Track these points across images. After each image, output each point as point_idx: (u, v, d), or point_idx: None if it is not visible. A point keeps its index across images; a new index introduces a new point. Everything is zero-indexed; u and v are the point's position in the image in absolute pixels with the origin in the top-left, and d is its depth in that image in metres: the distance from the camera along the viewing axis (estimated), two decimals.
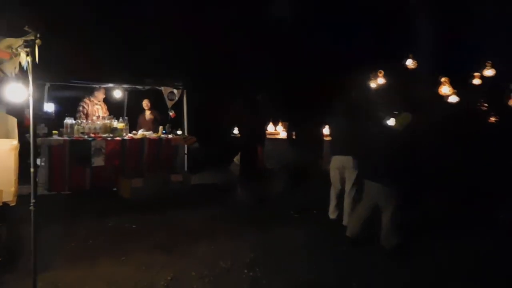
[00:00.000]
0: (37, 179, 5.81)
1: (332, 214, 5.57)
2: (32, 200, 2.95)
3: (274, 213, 5.86)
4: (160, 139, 6.94)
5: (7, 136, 3.31)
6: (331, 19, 8.95)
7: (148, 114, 8.39)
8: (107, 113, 7.68)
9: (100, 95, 7.47)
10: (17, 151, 3.26)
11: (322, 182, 5.90)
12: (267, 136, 7.66)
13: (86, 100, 7.35)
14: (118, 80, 7.31)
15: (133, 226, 5.16)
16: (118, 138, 6.55)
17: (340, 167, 5.39)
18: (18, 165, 3.27)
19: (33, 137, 2.98)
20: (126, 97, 8.89)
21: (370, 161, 4.70)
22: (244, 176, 6.12)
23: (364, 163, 4.90)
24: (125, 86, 7.68)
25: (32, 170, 2.89)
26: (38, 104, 6.21)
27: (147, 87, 7.89)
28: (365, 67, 8.20)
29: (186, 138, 7.23)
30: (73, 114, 6.71)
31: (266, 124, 7.93)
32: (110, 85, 7.41)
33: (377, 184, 4.48)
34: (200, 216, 5.62)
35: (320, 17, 9.11)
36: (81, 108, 7.24)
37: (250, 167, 5.97)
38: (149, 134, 7.16)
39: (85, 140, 6.23)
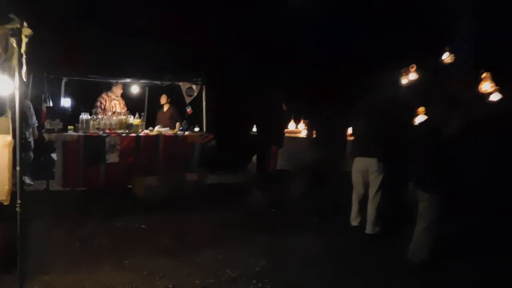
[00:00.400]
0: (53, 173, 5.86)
1: (354, 221, 5.14)
2: (18, 201, 2.73)
3: (291, 218, 5.51)
4: (175, 136, 6.71)
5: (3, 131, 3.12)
6: (357, 12, 8.42)
7: (165, 110, 8.21)
8: (125, 108, 7.56)
9: (118, 90, 7.34)
10: (11, 148, 3.07)
11: (343, 185, 5.49)
12: (288, 135, 7.29)
13: (104, 96, 7.24)
14: (136, 75, 7.14)
15: (142, 226, 4.95)
16: (132, 135, 6.38)
17: (363, 170, 4.96)
18: (11, 162, 3.06)
19: (19, 133, 2.76)
20: (147, 92, 8.76)
21: (412, 166, 4.20)
22: (260, 178, 5.80)
23: (410, 168, 4.33)
24: (143, 81, 7.51)
25: (18, 168, 2.67)
26: (41, 98, 6.16)
27: (166, 83, 7.69)
28: (396, 62, 7.66)
29: (203, 136, 6.96)
30: (91, 109, 6.58)
31: (286, 122, 7.56)
32: (128, 80, 7.26)
33: (419, 191, 4.02)
34: (211, 219, 5.34)
35: (346, 10, 8.61)
36: (98, 104, 7.14)
37: (263, 167, 5.63)
38: (165, 130, 6.95)
39: (99, 136, 6.09)
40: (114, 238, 4.56)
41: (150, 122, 8.20)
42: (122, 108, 7.50)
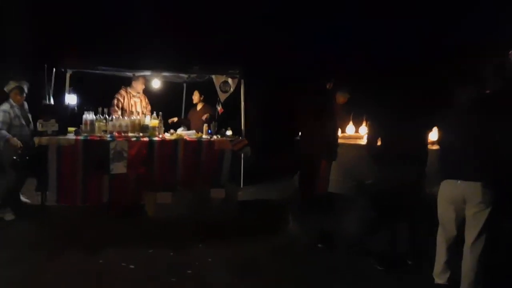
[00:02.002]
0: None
1: (438, 277, 3.34)
2: None
3: (343, 261, 3.84)
4: (198, 141, 5.35)
5: None
6: None
7: (199, 109, 6.92)
8: (148, 107, 6.39)
9: (139, 85, 6.17)
10: None
11: (423, 218, 3.74)
12: (344, 141, 5.59)
13: (122, 92, 6.11)
14: (157, 67, 5.91)
15: (131, 266, 3.61)
16: (144, 139, 5.13)
17: (458, 200, 3.17)
18: None
19: None
20: (185, 89, 7.57)
21: None
22: (303, 203, 4.23)
23: None
24: (166, 74, 6.26)
25: None
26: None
27: (195, 77, 6.39)
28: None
29: (235, 141, 5.53)
30: (99, 108, 5.39)
31: (343, 125, 5.83)
32: (147, 73, 6.06)
33: None
34: (232, 257, 3.88)
35: None
36: (115, 102, 6.02)
37: (309, 190, 4.04)
38: (190, 134, 5.63)
39: (101, 141, 4.92)
40: (86, 283, 3.27)
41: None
42: (145, 107, 6.33)
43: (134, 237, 4.30)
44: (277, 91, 7.32)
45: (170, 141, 5.26)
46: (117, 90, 6.13)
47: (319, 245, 4.21)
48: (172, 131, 5.74)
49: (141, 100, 6.29)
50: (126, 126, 5.28)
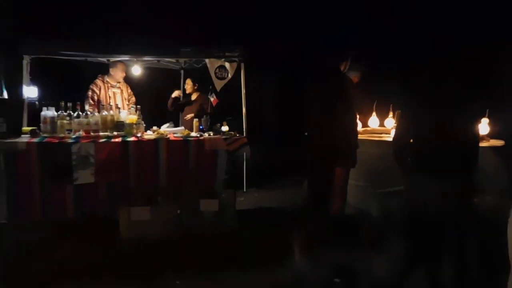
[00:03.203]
0: None
1: None
2: None
3: None
4: (185, 141, 4.33)
5: None
6: None
7: (193, 99, 5.91)
8: (133, 98, 5.41)
9: (118, 73, 5.18)
10: None
11: (480, 247, 2.67)
12: (365, 137, 4.49)
13: (98, 82, 5.13)
14: (137, 50, 4.89)
15: None
16: (116, 140, 4.15)
17: None
18: None
19: None
20: (182, 77, 6.58)
21: None
22: (316, 221, 3.18)
23: None
24: (149, 59, 5.24)
25: None
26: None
27: (196, 64, 5.38)
28: None
29: (230, 139, 4.49)
30: (61, 103, 4.39)
31: (363, 117, 4.69)
32: (125, 57, 5.05)
33: None
34: None
35: None
36: (89, 93, 5.05)
37: (321, 208, 2.98)
38: (177, 131, 4.63)
39: (61, 143, 3.96)
40: None
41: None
42: (126, 99, 5.35)
43: (96, 266, 3.34)
44: (285, 77, 6.21)
45: (149, 141, 4.26)
46: (92, 80, 5.17)
47: (336, 280, 3.17)
48: (155, 128, 4.74)
49: (122, 91, 5.31)
50: (96, 123, 4.30)
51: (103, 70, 5.22)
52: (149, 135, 4.52)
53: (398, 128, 3.13)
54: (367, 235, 2.98)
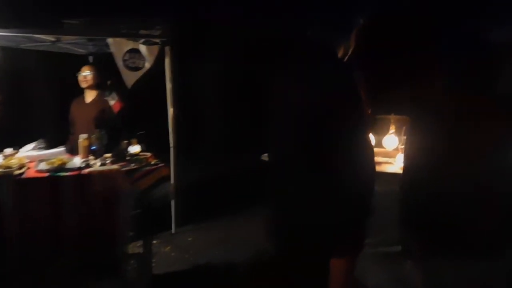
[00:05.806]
0: None
1: None
2: None
3: None
4: (53, 179, 2.41)
5: None
6: None
7: (89, 101, 3.78)
8: None
9: None
10: None
11: None
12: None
13: None
14: None
15: None
16: None
17: None
18: None
19: None
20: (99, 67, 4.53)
21: None
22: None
23: None
24: (4, 33, 3.20)
25: None
26: None
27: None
28: None
29: (140, 172, 2.64)
30: None
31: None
32: None
33: None
34: None
35: None
36: None
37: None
38: (44, 159, 2.67)
39: None
40: None
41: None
42: None
43: None
44: (238, 66, 4.46)
45: None
46: None
47: None
48: (8, 151, 2.72)
49: None
50: None
51: None
52: (6, 159, 2.56)
53: (406, 150, 1.58)
54: None
